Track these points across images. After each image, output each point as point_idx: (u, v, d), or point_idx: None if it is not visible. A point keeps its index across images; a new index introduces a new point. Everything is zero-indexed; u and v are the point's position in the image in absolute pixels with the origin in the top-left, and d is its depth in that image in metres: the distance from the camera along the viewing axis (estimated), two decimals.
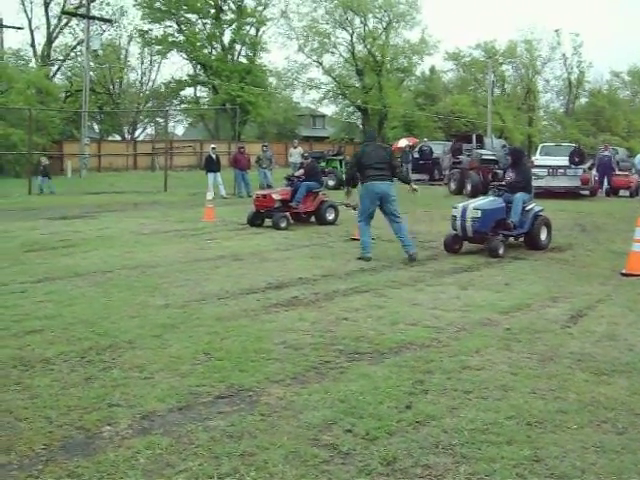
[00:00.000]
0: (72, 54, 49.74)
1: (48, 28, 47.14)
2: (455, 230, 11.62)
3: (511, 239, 12.10)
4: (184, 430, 4.19)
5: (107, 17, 48.08)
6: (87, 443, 4.03)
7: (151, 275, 9.30)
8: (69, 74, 51.61)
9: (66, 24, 47.91)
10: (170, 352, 5.73)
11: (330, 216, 15.86)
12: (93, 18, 41.16)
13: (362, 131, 61.41)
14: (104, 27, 50.17)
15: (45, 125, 36.80)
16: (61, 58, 50.13)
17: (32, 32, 48.04)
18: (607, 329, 6.69)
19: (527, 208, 11.90)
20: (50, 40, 47.47)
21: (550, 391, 4.91)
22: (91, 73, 43.20)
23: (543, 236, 12.13)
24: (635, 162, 26.94)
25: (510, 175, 12.22)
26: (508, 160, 12.73)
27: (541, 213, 12.19)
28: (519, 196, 11.75)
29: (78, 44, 47.41)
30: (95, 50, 41.65)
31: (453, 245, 11.63)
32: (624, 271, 9.76)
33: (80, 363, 5.44)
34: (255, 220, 15.46)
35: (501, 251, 11.16)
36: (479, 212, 11.30)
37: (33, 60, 47.47)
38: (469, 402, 4.69)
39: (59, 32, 48.32)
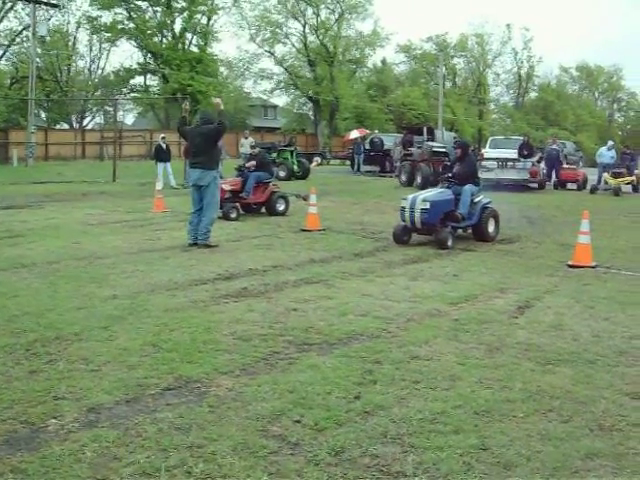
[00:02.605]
0: (18, 39, 48.59)
1: None
2: (404, 221, 11.69)
3: (460, 231, 12.22)
4: (131, 423, 4.14)
5: (54, 2, 46.97)
6: (32, 437, 3.95)
7: (99, 266, 9.17)
8: (15, 60, 50.46)
9: (11, 8, 46.63)
10: (117, 344, 5.65)
11: (280, 207, 15.82)
12: (39, 2, 40.17)
13: (314, 122, 61.44)
14: (51, 12, 49.26)
15: None
16: (6, 43, 48.89)
17: None
18: (553, 319, 6.81)
19: (475, 200, 12.02)
20: None
21: (497, 381, 4.98)
22: (38, 59, 42.37)
23: (491, 228, 12.28)
24: (596, 155, 27.40)
25: (457, 168, 12.33)
26: (456, 153, 12.85)
27: (489, 205, 12.33)
28: (467, 188, 11.86)
29: (24, 29, 46.28)
30: (42, 36, 40.71)
31: (402, 236, 11.69)
32: (571, 263, 9.93)
33: (25, 356, 5.33)
34: None
35: (450, 242, 11.26)
36: (427, 204, 11.37)
37: None
38: (417, 392, 4.73)
39: (4, 16, 46.99)
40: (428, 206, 11.35)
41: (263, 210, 15.87)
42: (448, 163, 14.58)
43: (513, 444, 3.96)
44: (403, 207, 11.64)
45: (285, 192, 16.28)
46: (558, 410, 4.48)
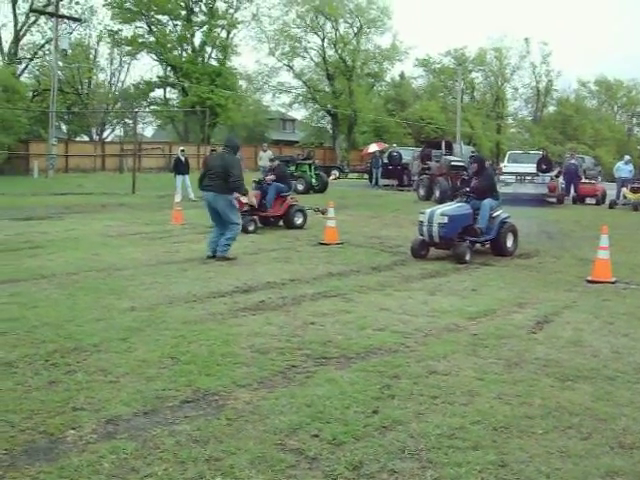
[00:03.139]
0: (40, 53, 49.23)
1: (15, 26, 46.49)
2: (422, 235, 11.65)
3: (478, 245, 12.17)
4: (149, 434, 4.15)
5: (76, 16, 47.59)
6: (50, 448, 3.97)
7: (118, 278, 9.21)
8: (37, 73, 51.08)
9: (34, 22, 47.31)
10: (136, 356, 5.67)
11: (298, 220, 15.84)
12: (62, 17, 40.76)
13: (332, 135, 61.61)
14: (73, 26, 49.77)
15: (12, 124, 36.30)
16: (29, 57, 49.49)
17: None
18: (572, 335, 6.75)
19: (494, 215, 11.97)
20: (17, 38, 46.77)
21: (516, 396, 4.95)
22: (59, 72, 42.74)
23: (509, 243, 12.22)
24: (614, 170, 27.26)
25: (475, 182, 12.29)
26: (474, 168, 12.78)
27: (508, 220, 12.27)
28: (487, 202, 11.82)
29: (46, 43, 46.88)
30: (64, 49, 41.18)
31: (420, 250, 11.64)
32: (590, 278, 9.85)
33: (44, 366, 5.36)
34: None
35: (468, 257, 11.22)
36: (445, 218, 11.33)
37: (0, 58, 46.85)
38: (436, 407, 4.70)
39: (27, 30, 47.65)
40: (446, 220, 11.32)
41: (281, 223, 15.90)
42: (466, 177, 14.55)
43: (532, 461, 3.93)
44: (421, 221, 11.61)
45: (303, 205, 16.30)
46: (578, 427, 4.44)
